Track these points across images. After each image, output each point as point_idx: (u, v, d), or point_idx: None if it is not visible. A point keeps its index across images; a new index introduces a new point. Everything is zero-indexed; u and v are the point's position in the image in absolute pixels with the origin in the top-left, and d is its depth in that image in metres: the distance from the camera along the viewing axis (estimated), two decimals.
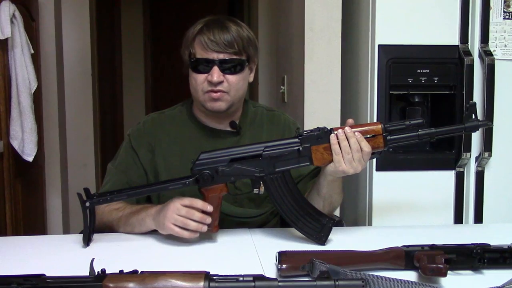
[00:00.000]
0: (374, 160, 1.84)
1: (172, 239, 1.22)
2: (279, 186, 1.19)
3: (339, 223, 1.41)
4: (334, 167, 1.17)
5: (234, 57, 1.32)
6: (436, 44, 1.84)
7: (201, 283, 0.82)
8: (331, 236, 1.19)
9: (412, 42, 1.84)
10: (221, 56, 1.31)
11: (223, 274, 0.85)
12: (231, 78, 1.32)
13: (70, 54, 3.25)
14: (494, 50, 1.81)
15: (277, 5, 2.97)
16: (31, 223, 2.75)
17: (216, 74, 1.30)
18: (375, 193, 1.88)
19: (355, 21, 2.07)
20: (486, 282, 0.92)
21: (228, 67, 1.32)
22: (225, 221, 1.33)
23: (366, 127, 1.17)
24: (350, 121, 1.21)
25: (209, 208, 1.17)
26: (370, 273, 0.90)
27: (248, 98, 1.50)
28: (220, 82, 1.31)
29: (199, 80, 1.34)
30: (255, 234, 1.30)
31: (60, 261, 1.11)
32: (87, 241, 1.19)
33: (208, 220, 1.17)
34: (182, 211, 1.16)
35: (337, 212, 1.69)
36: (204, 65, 1.32)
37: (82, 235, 1.21)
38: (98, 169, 3.51)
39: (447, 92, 1.86)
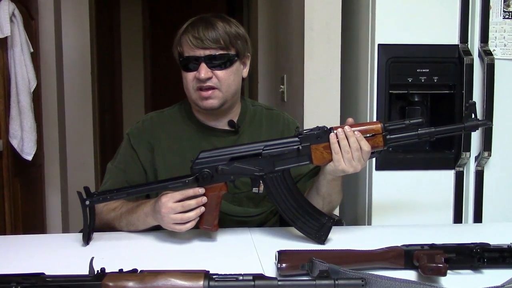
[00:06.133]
0: (374, 159, 1.84)
1: (172, 238, 1.22)
2: (279, 185, 1.19)
3: (339, 222, 1.41)
4: (333, 166, 1.17)
5: (221, 52, 1.32)
6: (436, 44, 1.84)
7: (201, 282, 0.82)
8: (330, 235, 1.19)
9: (412, 41, 1.84)
10: (207, 52, 1.31)
11: (223, 273, 0.85)
12: (220, 73, 1.32)
13: (70, 53, 3.24)
14: (494, 50, 1.81)
15: (276, 4, 2.97)
16: (30, 222, 2.75)
17: (203, 70, 1.30)
18: (374, 193, 1.88)
19: (355, 21, 2.07)
20: (486, 282, 0.92)
21: (217, 63, 1.32)
22: (225, 220, 1.33)
23: (365, 126, 1.17)
24: (350, 120, 1.21)
25: (201, 190, 1.17)
26: (370, 272, 0.90)
27: (247, 97, 1.50)
28: (209, 78, 1.32)
29: (189, 79, 1.34)
30: (255, 233, 1.30)
31: (59, 260, 1.10)
32: (86, 240, 1.19)
33: (204, 199, 1.17)
34: (178, 208, 1.16)
35: (336, 211, 1.69)
36: (193, 63, 1.32)
37: (81, 233, 1.21)
38: (98, 168, 3.51)
39: (447, 91, 1.86)
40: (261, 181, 1.19)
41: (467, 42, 1.84)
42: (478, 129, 1.22)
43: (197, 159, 1.18)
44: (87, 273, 0.86)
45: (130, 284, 0.82)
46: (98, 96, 3.58)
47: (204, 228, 1.20)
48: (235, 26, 1.36)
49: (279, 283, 0.82)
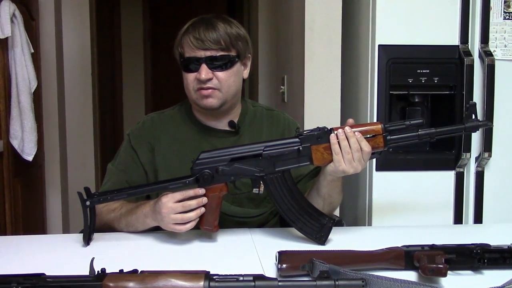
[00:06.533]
0: (374, 160, 1.84)
1: (172, 238, 1.23)
2: (279, 185, 1.19)
3: (339, 223, 1.41)
4: (334, 167, 1.17)
5: (222, 53, 1.32)
6: (436, 44, 1.84)
7: (201, 283, 0.82)
8: (331, 236, 1.19)
9: (412, 42, 1.84)
10: (208, 53, 1.31)
11: (223, 273, 0.85)
12: (221, 74, 1.33)
13: (70, 54, 3.24)
14: (494, 51, 1.81)
15: (277, 5, 2.97)
16: (31, 222, 2.75)
17: (204, 71, 1.31)
18: (375, 193, 1.88)
19: (355, 21, 2.07)
20: (486, 282, 0.92)
21: (218, 64, 1.32)
22: (225, 220, 1.32)
23: (366, 127, 1.17)
24: (350, 121, 1.21)
25: (201, 191, 1.17)
26: (370, 273, 0.90)
27: (247, 98, 1.50)
28: (210, 79, 1.32)
29: (189, 79, 1.34)
30: (255, 234, 1.30)
31: (60, 261, 1.11)
32: (87, 241, 1.19)
33: (205, 200, 1.17)
34: (178, 208, 1.16)
35: (337, 212, 1.69)
36: (194, 64, 1.33)
37: (82, 234, 1.21)
38: (98, 169, 3.51)
39: (447, 92, 1.86)
40: (261, 182, 1.20)
41: (467, 43, 1.84)
42: (478, 130, 1.22)
43: (198, 159, 1.18)
44: (87, 273, 0.86)
45: (131, 284, 0.83)
46: (99, 97, 3.58)
47: (204, 229, 1.20)
48: (236, 27, 1.36)
49: (280, 283, 0.83)
